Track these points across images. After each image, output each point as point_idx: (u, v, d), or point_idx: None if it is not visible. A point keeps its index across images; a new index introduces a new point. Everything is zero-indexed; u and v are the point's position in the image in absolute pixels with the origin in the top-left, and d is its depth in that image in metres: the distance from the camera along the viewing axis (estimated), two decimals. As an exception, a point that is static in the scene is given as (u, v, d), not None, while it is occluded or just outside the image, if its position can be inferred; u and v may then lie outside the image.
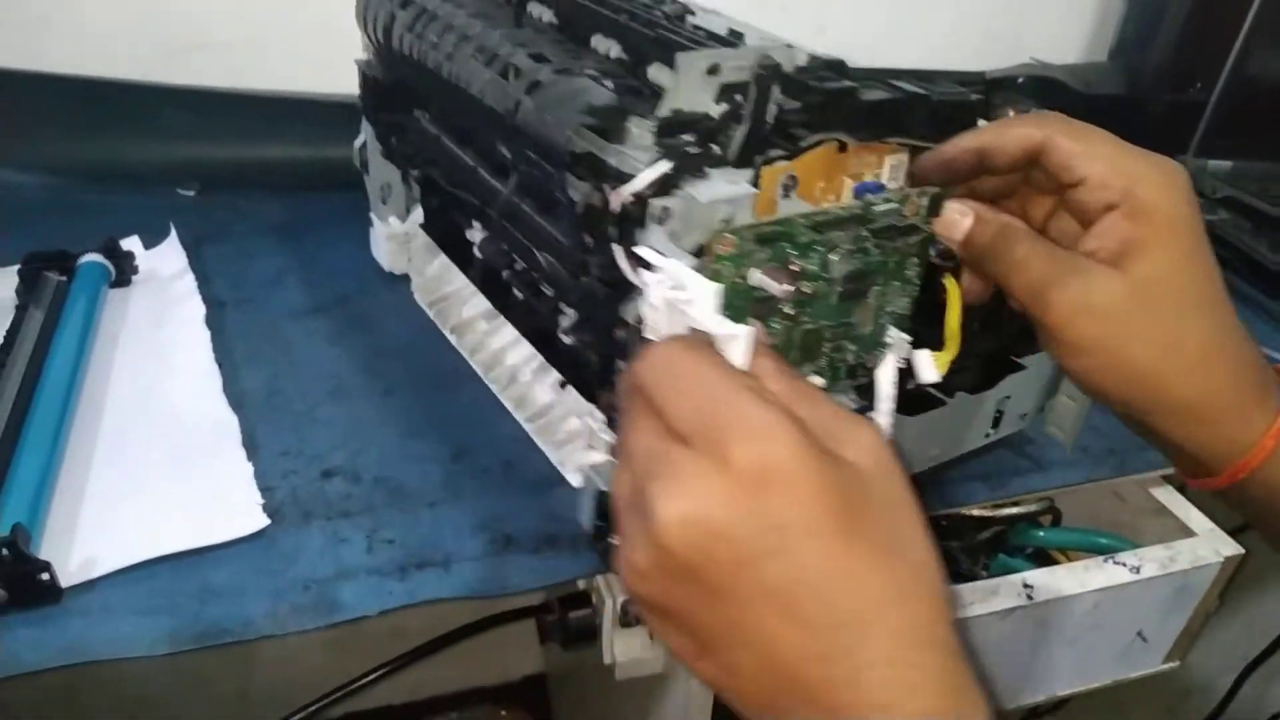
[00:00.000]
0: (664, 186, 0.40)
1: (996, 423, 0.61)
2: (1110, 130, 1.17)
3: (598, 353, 0.47)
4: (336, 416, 0.59)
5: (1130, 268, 0.40)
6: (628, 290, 0.43)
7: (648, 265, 0.38)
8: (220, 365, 0.62)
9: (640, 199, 0.40)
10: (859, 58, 1.07)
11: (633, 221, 0.41)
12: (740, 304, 0.41)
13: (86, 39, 0.83)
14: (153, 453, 0.55)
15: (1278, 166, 1.01)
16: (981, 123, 0.55)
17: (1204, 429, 0.43)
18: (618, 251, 0.41)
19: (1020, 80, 1.06)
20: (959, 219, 0.45)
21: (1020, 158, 0.44)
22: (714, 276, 0.39)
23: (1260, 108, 0.99)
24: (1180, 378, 0.41)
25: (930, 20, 1.10)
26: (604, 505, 0.46)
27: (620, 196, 0.40)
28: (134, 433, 0.56)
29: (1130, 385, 0.42)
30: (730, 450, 0.30)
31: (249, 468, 0.54)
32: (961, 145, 0.45)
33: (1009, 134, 0.44)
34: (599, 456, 0.48)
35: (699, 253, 0.41)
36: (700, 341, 0.35)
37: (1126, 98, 1.07)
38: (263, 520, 0.50)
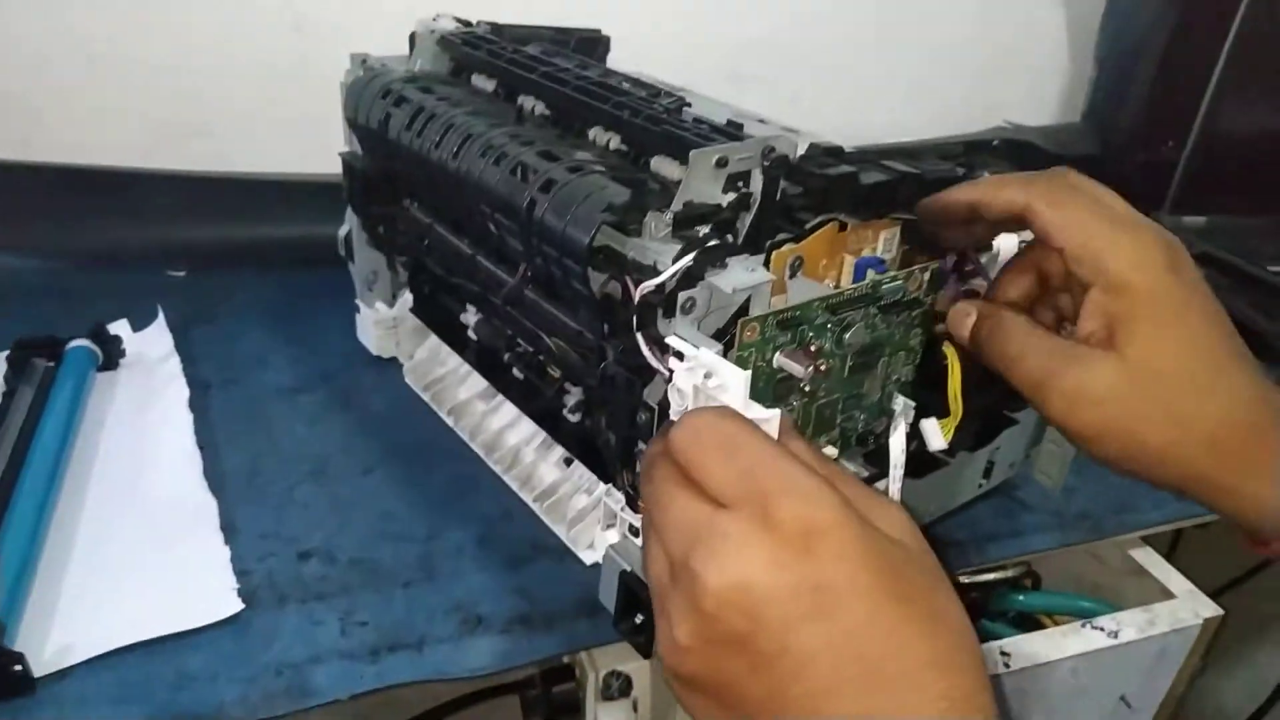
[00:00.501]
0: (688, 278, 0.42)
1: (988, 472, 0.62)
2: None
3: (617, 435, 0.48)
4: (316, 497, 0.60)
5: (1122, 349, 0.39)
6: (648, 375, 0.44)
7: (672, 351, 0.40)
8: (203, 447, 0.63)
9: (662, 290, 0.42)
10: (832, 123, 1.09)
11: (654, 311, 0.43)
12: (764, 386, 0.43)
13: (78, 129, 0.85)
14: (132, 538, 0.55)
15: (1251, 221, 1.03)
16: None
17: (1240, 501, 0.40)
18: (640, 340, 0.42)
19: (995, 143, 1.08)
20: (964, 318, 0.46)
21: (1006, 218, 0.45)
22: (740, 363, 0.41)
23: (1230, 164, 1.01)
24: (1198, 456, 0.39)
25: (901, 86, 1.12)
26: (627, 584, 0.47)
27: (643, 290, 0.42)
28: (115, 518, 0.57)
29: (1150, 468, 0.41)
30: (776, 512, 0.31)
31: (226, 551, 0.54)
32: (957, 196, 0.47)
33: (998, 195, 0.45)
34: (617, 535, 0.49)
35: (718, 336, 0.43)
36: (732, 411, 0.36)
37: (1100, 158, 1.10)
38: (237, 605, 0.51)
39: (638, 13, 0.97)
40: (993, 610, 0.66)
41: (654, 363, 0.43)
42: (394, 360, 0.74)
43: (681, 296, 0.42)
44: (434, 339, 0.70)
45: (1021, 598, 0.66)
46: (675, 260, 0.41)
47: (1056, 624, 0.62)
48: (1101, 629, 0.59)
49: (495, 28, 0.67)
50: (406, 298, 0.72)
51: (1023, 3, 1.14)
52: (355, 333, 0.76)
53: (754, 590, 0.31)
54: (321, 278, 0.80)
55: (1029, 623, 0.65)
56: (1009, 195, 0.44)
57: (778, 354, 0.42)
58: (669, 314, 0.42)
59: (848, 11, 1.07)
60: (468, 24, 0.68)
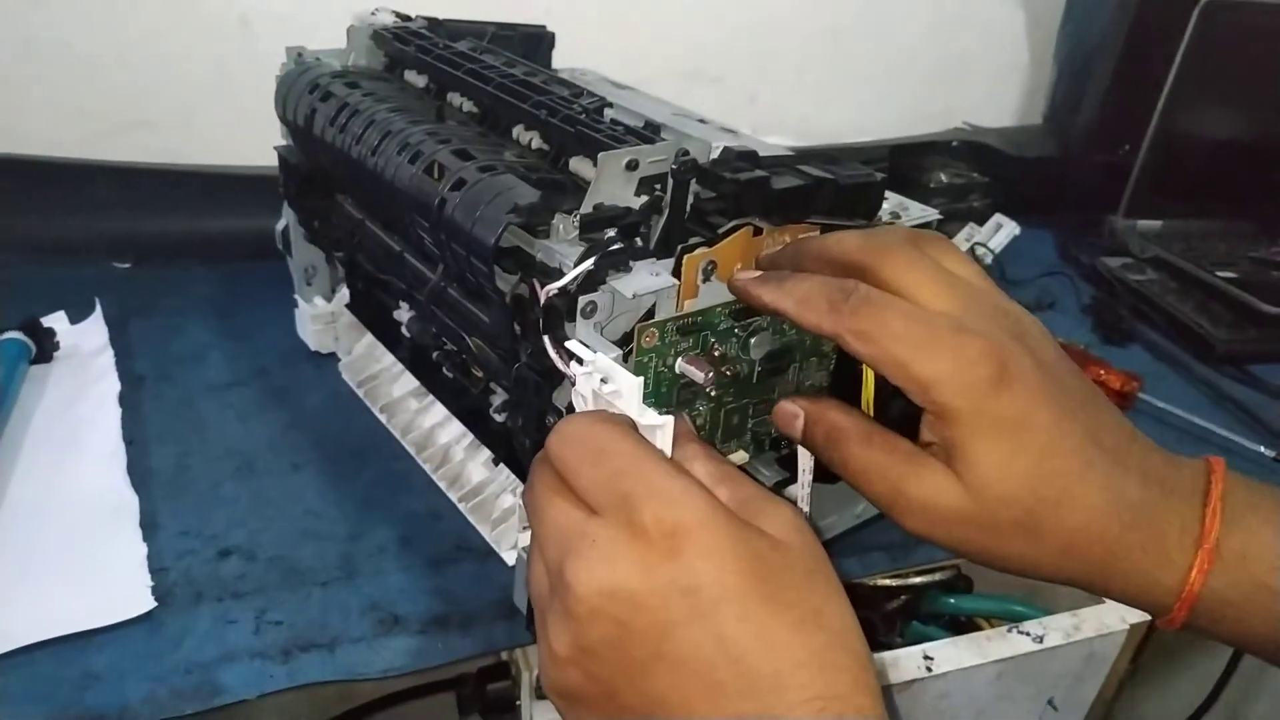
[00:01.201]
0: (590, 281, 0.42)
1: (915, 478, 0.62)
2: (1043, 191, 1.19)
3: (529, 437, 0.48)
4: (241, 494, 0.60)
5: (961, 473, 0.36)
6: (558, 378, 0.44)
7: (578, 357, 0.40)
8: (131, 443, 0.62)
9: (567, 293, 0.42)
10: (790, 123, 1.10)
11: (560, 314, 0.42)
12: (666, 390, 0.43)
13: (16, 118, 0.84)
14: (49, 534, 0.55)
15: (1204, 225, 1.04)
16: (886, 201, 0.57)
17: (1127, 587, 0.38)
18: (547, 343, 0.42)
19: (954, 144, 1.08)
20: (792, 420, 0.43)
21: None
22: (640, 368, 0.41)
23: (1184, 169, 1.02)
24: (1063, 564, 0.37)
25: (863, 87, 1.12)
26: None
27: (547, 292, 0.41)
28: (34, 513, 0.56)
29: (1024, 572, 0.38)
30: (640, 515, 0.31)
31: (143, 549, 0.54)
32: (762, 299, 0.42)
33: (802, 315, 0.40)
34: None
35: (624, 340, 0.43)
36: (607, 416, 0.36)
37: (1057, 159, 1.10)
38: (149, 603, 0.50)
39: (594, 10, 0.97)
40: (925, 613, 0.67)
41: (560, 366, 0.43)
42: (333, 356, 0.73)
43: (582, 300, 0.41)
44: (370, 336, 0.70)
45: (953, 601, 0.66)
46: (577, 264, 0.41)
47: (993, 627, 0.63)
48: (1027, 634, 0.59)
49: (432, 23, 0.66)
50: (344, 293, 0.72)
51: (982, 5, 1.14)
52: (295, 328, 0.75)
53: (623, 596, 0.30)
54: (266, 270, 0.79)
55: (963, 626, 0.66)
56: (812, 319, 0.39)
57: (679, 360, 0.42)
58: (573, 317, 0.42)
59: (805, 14, 1.06)
60: (406, 18, 0.68)
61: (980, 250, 1.00)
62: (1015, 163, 1.08)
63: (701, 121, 0.65)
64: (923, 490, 0.37)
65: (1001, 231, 1.01)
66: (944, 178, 1.03)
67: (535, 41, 0.73)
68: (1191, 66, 0.96)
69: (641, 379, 0.38)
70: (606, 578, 0.31)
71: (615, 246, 0.42)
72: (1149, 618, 0.61)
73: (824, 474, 0.51)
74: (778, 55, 1.07)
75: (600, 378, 0.39)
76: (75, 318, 0.75)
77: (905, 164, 1.03)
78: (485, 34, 0.68)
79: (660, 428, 0.38)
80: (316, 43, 0.67)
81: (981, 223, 1.03)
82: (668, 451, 0.38)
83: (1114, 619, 0.61)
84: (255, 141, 0.71)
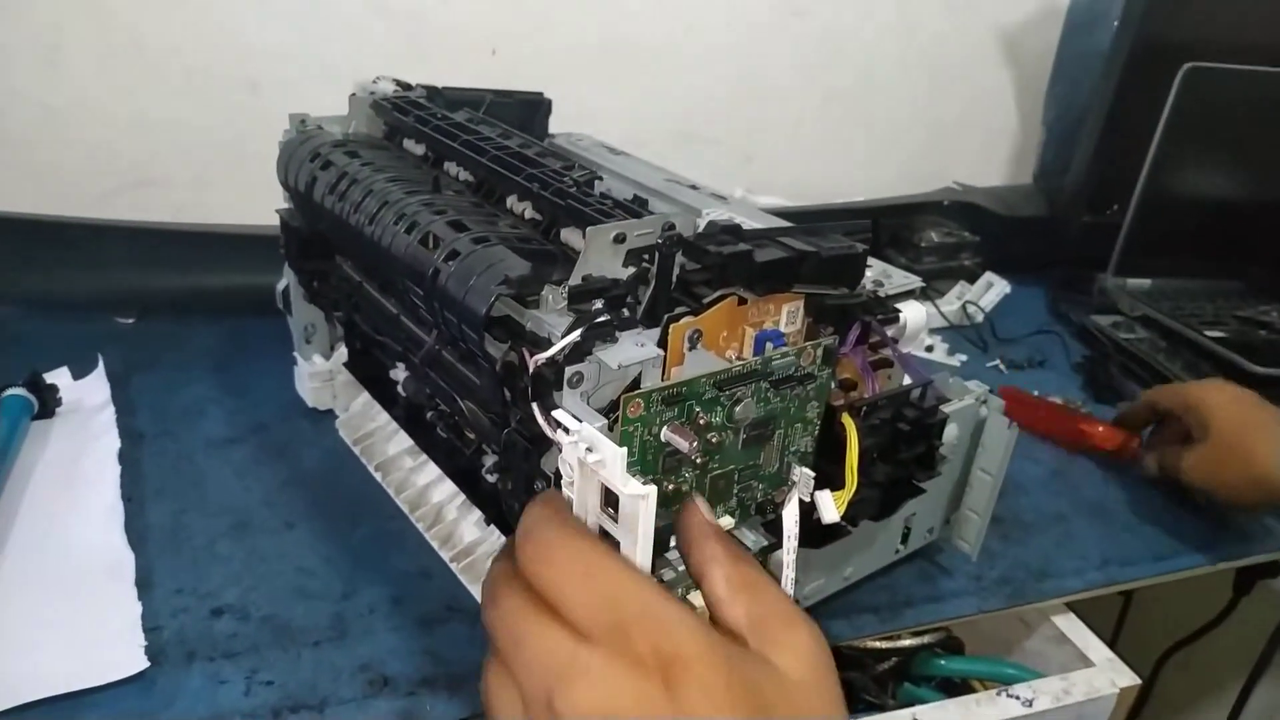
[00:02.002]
0: (577, 352, 0.43)
1: (905, 538, 0.62)
2: (1033, 249, 1.25)
3: (519, 500, 0.49)
4: (235, 552, 0.60)
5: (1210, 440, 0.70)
6: (546, 444, 0.45)
7: (565, 427, 0.41)
8: (129, 500, 0.63)
9: (554, 363, 0.43)
10: (785, 185, 1.12)
11: (548, 383, 0.43)
12: (652, 459, 0.44)
13: (32, 178, 0.87)
14: (45, 591, 0.55)
15: (1192, 285, 1.05)
16: (870, 269, 0.58)
17: None
18: (535, 411, 0.43)
19: (944, 203, 1.10)
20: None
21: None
22: (625, 438, 0.42)
23: (1172, 228, 1.04)
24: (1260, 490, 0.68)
25: (856, 149, 1.15)
26: None
27: (536, 362, 0.43)
28: (31, 570, 0.57)
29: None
30: (637, 645, 0.30)
31: (137, 608, 0.54)
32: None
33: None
34: None
35: (611, 409, 0.44)
36: (576, 524, 0.36)
37: (1047, 219, 1.12)
38: (142, 663, 0.51)
39: (594, 74, 1.00)
40: (916, 675, 0.67)
41: (548, 433, 0.44)
42: (330, 412, 0.75)
43: (569, 371, 0.42)
44: (367, 394, 0.71)
45: (944, 662, 0.66)
46: (564, 335, 0.42)
47: (986, 688, 0.63)
48: (1017, 697, 0.60)
49: (431, 91, 0.69)
50: (343, 352, 0.73)
51: (972, 70, 1.17)
52: (294, 384, 0.76)
53: None
54: (266, 327, 0.80)
55: (955, 688, 0.66)
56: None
57: (664, 429, 0.43)
58: (560, 386, 0.43)
59: (799, 79, 1.09)
60: (407, 86, 0.70)
61: (970, 309, 1.01)
62: (1005, 222, 1.10)
63: (693, 188, 0.67)
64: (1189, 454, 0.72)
65: (993, 290, 1.03)
66: (935, 237, 1.04)
67: (532, 108, 0.75)
68: (1176, 129, 0.98)
69: (625, 449, 0.39)
70: (602, 709, 0.29)
71: (602, 318, 0.43)
72: (1139, 681, 0.61)
73: (809, 538, 0.52)
74: (772, 118, 1.10)
75: (586, 447, 0.40)
76: (78, 373, 0.76)
77: (897, 223, 1.05)
78: (483, 102, 0.70)
79: (645, 497, 0.39)
80: (322, 106, 0.69)
81: (972, 281, 1.04)
82: (650, 522, 0.39)
83: (1104, 683, 0.61)
84: (260, 201, 0.73)
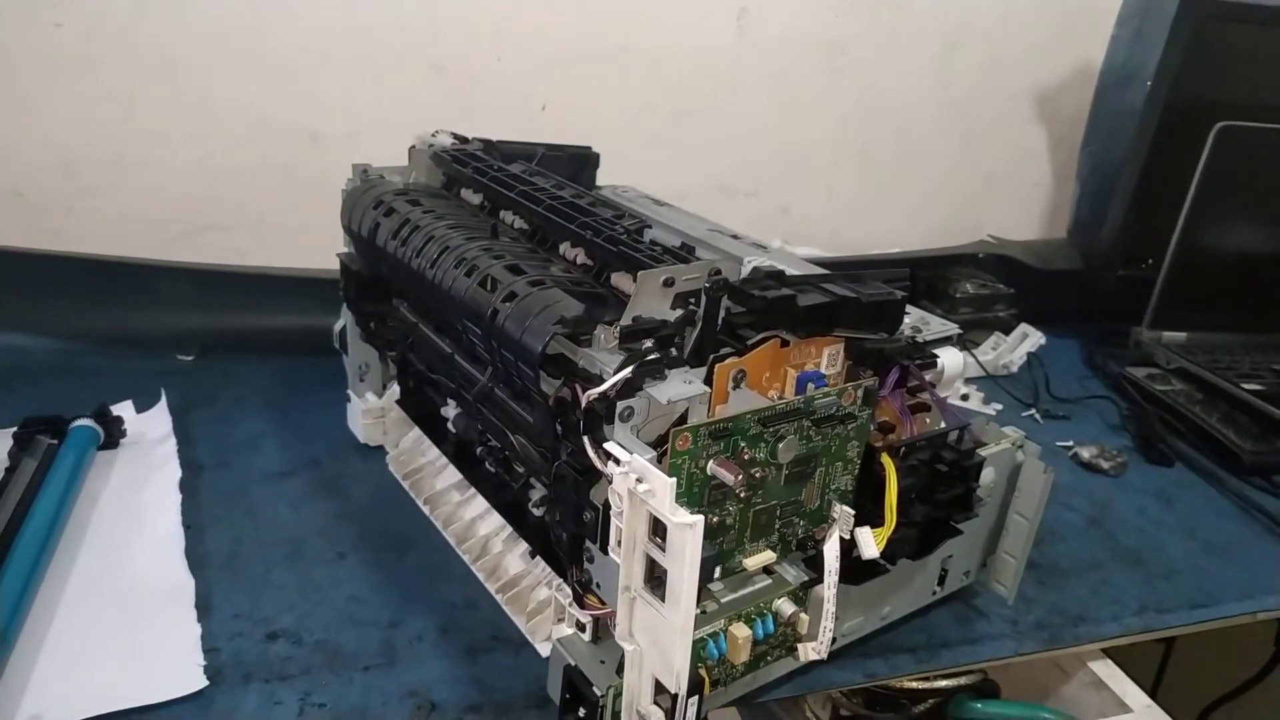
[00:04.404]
0: (628, 388, 0.45)
1: (942, 580, 0.63)
2: (1068, 302, 1.24)
3: (567, 531, 0.51)
4: (290, 579, 0.63)
5: None
6: (596, 476, 0.47)
7: (616, 459, 0.43)
8: (189, 527, 0.66)
9: (606, 398, 0.45)
10: (822, 237, 1.15)
11: (599, 417, 0.46)
12: (698, 491, 0.46)
13: (104, 223, 0.92)
14: (110, 613, 0.58)
15: (1228, 338, 1.05)
16: (908, 316, 0.60)
17: None
18: (586, 443, 0.46)
19: (980, 256, 1.12)
20: None
21: None
22: (674, 469, 0.44)
23: (1207, 282, 1.04)
24: None
25: (892, 202, 1.17)
26: (570, 679, 0.49)
27: (588, 397, 0.45)
28: (97, 592, 0.60)
29: None
30: None
31: (197, 629, 0.57)
32: None
33: None
34: (567, 629, 0.51)
35: (659, 443, 0.46)
36: None
37: (1082, 272, 1.13)
38: (201, 682, 0.53)
39: (639, 131, 1.04)
40: (952, 718, 0.67)
41: (598, 465, 0.46)
42: (380, 448, 0.77)
43: (620, 405, 0.45)
44: (417, 430, 0.74)
45: (980, 705, 0.66)
46: (616, 371, 0.45)
47: (1020, 735, 0.63)
48: (1054, 742, 0.60)
49: (487, 145, 0.72)
50: (394, 389, 0.76)
51: (1008, 126, 1.19)
52: (346, 421, 0.79)
53: None
54: (320, 366, 0.84)
55: (991, 733, 0.66)
56: None
57: (710, 462, 0.45)
58: (611, 420, 0.45)
59: (836, 135, 1.13)
60: (464, 140, 0.74)
61: (1005, 360, 1.02)
62: (1040, 275, 1.11)
63: (735, 237, 0.69)
64: None
65: (1027, 340, 1.04)
66: (970, 288, 1.06)
67: (581, 161, 0.79)
68: (1210, 185, 0.99)
69: (674, 479, 0.41)
70: None
71: (652, 356, 0.45)
72: (1177, 730, 0.61)
73: (850, 574, 0.53)
74: (810, 172, 1.13)
75: (636, 477, 0.42)
76: (141, 406, 0.80)
77: (932, 275, 1.07)
78: (535, 155, 0.74)
79: (693, 526, 0.41)
80: (379, 157, 0.73)
81: (1007, 332, 1.06)
82: (697, 550, 0.41)
83: (1141, 730, 0.61)
84: (318, 246, 0.77)
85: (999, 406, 0.95)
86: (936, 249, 1.12)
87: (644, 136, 1.04)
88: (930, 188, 1.18)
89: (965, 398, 0.95)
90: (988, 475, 0.59)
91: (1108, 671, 0.65)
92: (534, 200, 0.59)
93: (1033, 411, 0.95)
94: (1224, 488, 0.84)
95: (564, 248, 0.58)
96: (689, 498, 0.45)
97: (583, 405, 0.46)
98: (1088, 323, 1.12)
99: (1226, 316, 1.06)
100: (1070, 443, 0.89)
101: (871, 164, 1.16)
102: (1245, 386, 0.93)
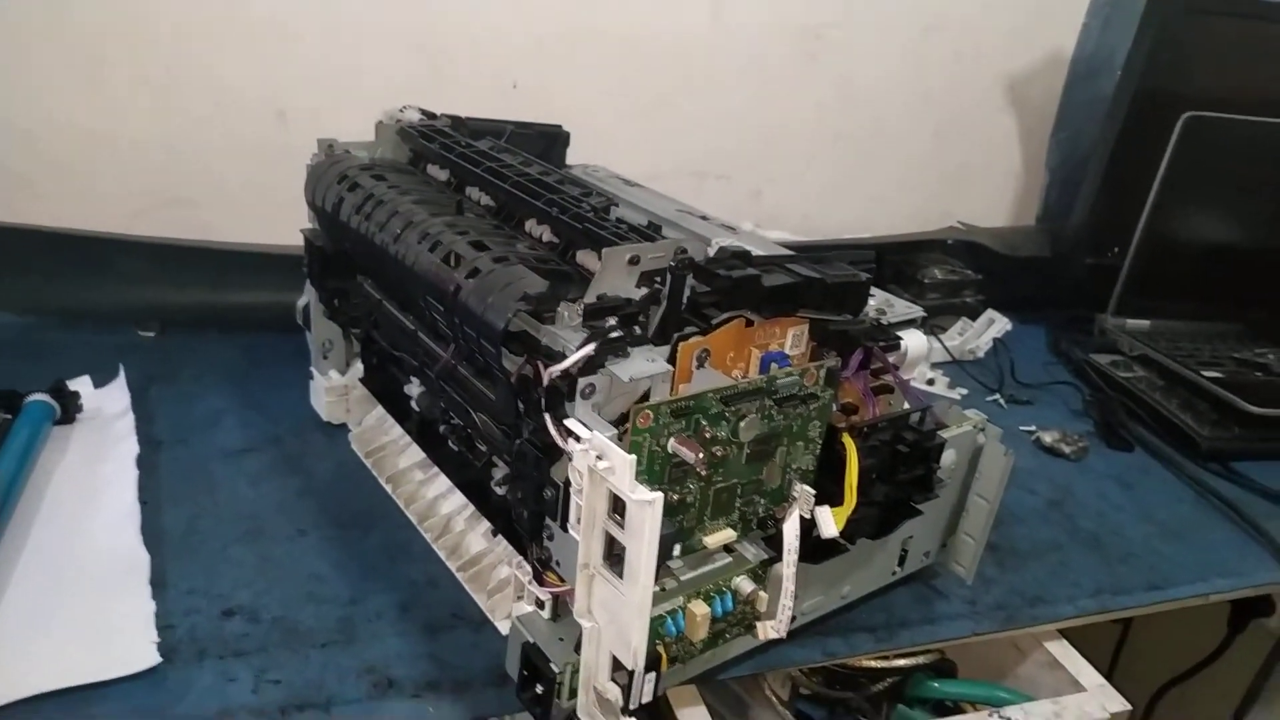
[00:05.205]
0: (590, 365, 0.45)
1: (902, 560, 0.63)
2: (1035, 289, 1.25)
3: (528, 508, 0.51)
4: (248, 556, 0.62)
5: None
6: (557, 454, 0.47)
7: (576, 436, 0.43)
8: (145, 503, 0.65)
9: (568, 375, 0.45)
10: (793, 222, 1.15)
11: (561, 394, 0.45)
12: (659, 469, 0.45)
13: (66, 197, 0.90)
14: (63, 588, 0.57)
15: (1190, 326, 1.07)
16: (873, 299, 0.60)
17: None
18: (548, 421, 0.45)
19: (949, 242, 1.12)
20: None
21: None
22: (634, 447, 0.44)
23: (1171, 271, 1.06)
24: None
25: (863, 188, 1.18)
26: (529, 656, 0.49)
27: (550, 374, 0.45)
28: (50, 568, 0.59)
29: None
30: None
31: (151, 606, 0.56)
32: None
33: None
34: (527, 607, 0.51)
35: (621, 421, 0.46)
36: None
37: (1049, 260, 1.14)
38: (154, 658, 0.52)
39: (609, 111, 1.03)
40: (910, 697, 0.68)
41: (559, 442, 0.45)
42: (343, 426, 0.76)
43: (581, 382, 0.44)
44: (380, 409, 0.73)
45: (938, 685, 0.67)
46: (579, 349, 0.44)
47: (978, 712, 0.63)
48: (1008, 718, 0.61)
49: (455, 121, 0.71)
50: (358, 367, 0.75)
51: (979, 114, 1.20)
52: (309, 398, 0.78)
53: None
54: (284, 343, 0.83)
55: (946, 712, 0.66)
56: None
57: (672, 440, 0.45)
58: (573, 397, 0.45)
59: (809, 121, 1.13)
60: (432, 115, 0.73)
61: (971, 345, 1.03)
62: (1008, 261, 1.12)
63: (704, 218, 0.69)
64: None
65: (994, 326, 1.05)
66: (938, 274, 1.07)
67: (551, 139, 0.78)
68: (1176, 175, 1.00)
69: (634, 457, 0.41)
70: None
71: (615, 334, 0.45)
72: (1129, 707, 0.62)
73: (809, 553, 0.54)
74: (783, 157, 1.13)
75: (596, 454, 0.42)
76: (100, 382, 0.79)
77: (901, 260, 1.07)
78: (504, 132, 0.73)
79: (651, 504, 0.41)
80: (347, 134, 0.72)
81: (974, 318, 1.06)
82: (656, 528, 0.41)
83: (1094, 707, 0.62)
84: (283, 223, 0.75)
85: (964, 391, 0.96)
86: (906, 234, 1.12)
87: (616, 118, 1.03)
88: (902, 174, 1.18)
89: (931, 382, 0.96)
90: (949, 457, 0.60)
91: (1063, 652, 0.66)
92: (500, 176, 0.58)
93: (997, 397, 0.96)
94: (1182, 473, 0.86)
95: (530, 225, 0.57)
96: (650, 475, 0.45)
97: (544, 382, 0.45)
98: (1054, 310, 1.13)
99: (1189, 305, 1.08)
100: (1033, 427, 0.89)
101: (845, 150, 1.16)
102: (1205, 374, 0.95)
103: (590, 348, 0.44)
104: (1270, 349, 1.03)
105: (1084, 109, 1.12)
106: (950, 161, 1.20)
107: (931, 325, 1.02)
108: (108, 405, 0.76)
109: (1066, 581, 0.69)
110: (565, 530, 0.46)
